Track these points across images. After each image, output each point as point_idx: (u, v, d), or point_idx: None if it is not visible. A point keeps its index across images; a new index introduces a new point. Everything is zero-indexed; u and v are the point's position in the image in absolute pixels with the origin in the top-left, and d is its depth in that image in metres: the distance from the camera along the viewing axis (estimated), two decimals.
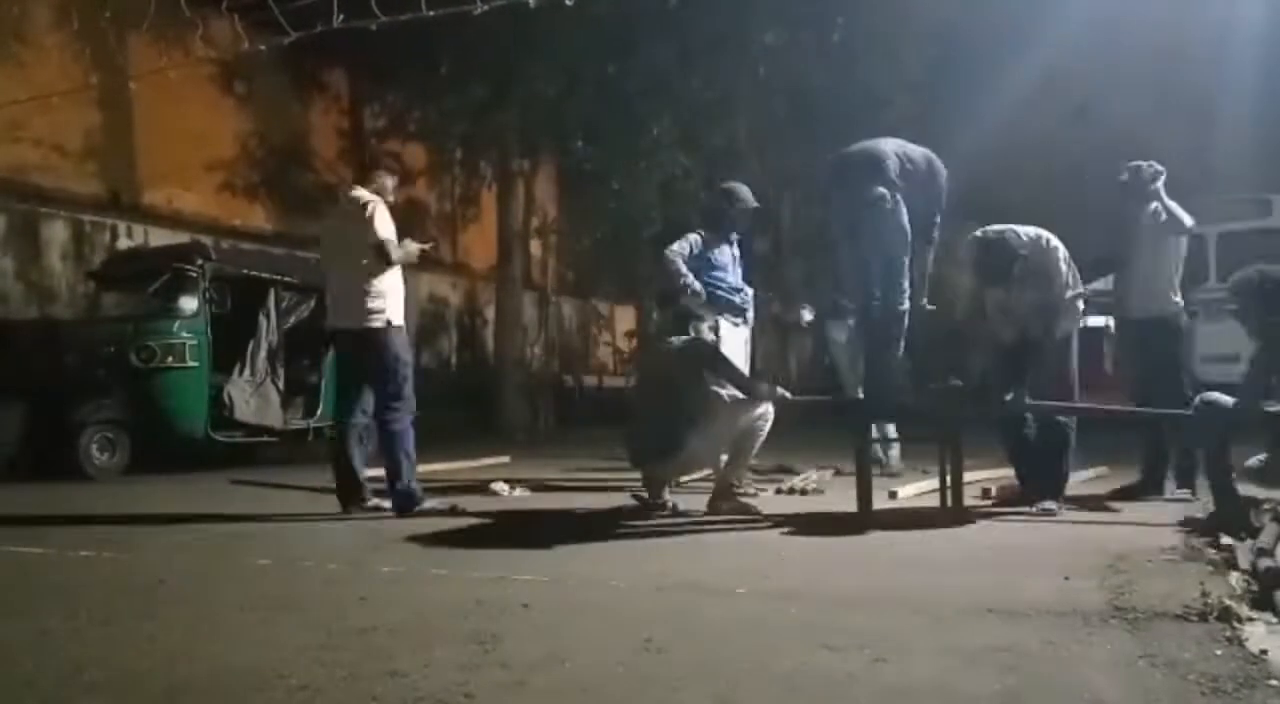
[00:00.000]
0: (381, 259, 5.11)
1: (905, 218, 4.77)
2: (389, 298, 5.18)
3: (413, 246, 5.40)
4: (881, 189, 4.71)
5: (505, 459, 8.71)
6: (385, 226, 5.16)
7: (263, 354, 8.65)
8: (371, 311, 5.13)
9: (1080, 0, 13.10)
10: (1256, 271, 4.52)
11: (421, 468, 7.81)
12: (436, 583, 3.40)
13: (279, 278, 9.00)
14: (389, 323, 5.16)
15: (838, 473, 6.64)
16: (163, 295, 8.36)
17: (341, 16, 4.99)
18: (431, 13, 5.02)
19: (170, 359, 7.98)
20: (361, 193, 5.28)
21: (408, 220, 16.68)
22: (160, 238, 11.33)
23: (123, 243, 11.67)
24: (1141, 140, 15.49)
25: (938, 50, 14.90)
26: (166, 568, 3.85)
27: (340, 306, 5.31)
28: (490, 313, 16.20)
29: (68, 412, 7.58)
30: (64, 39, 10.59)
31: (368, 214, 5.12)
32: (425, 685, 2.18)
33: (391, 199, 5.40)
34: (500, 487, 6.12)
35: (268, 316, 8.76)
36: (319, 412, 9.01)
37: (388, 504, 5.11)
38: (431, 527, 4.65)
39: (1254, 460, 4.37)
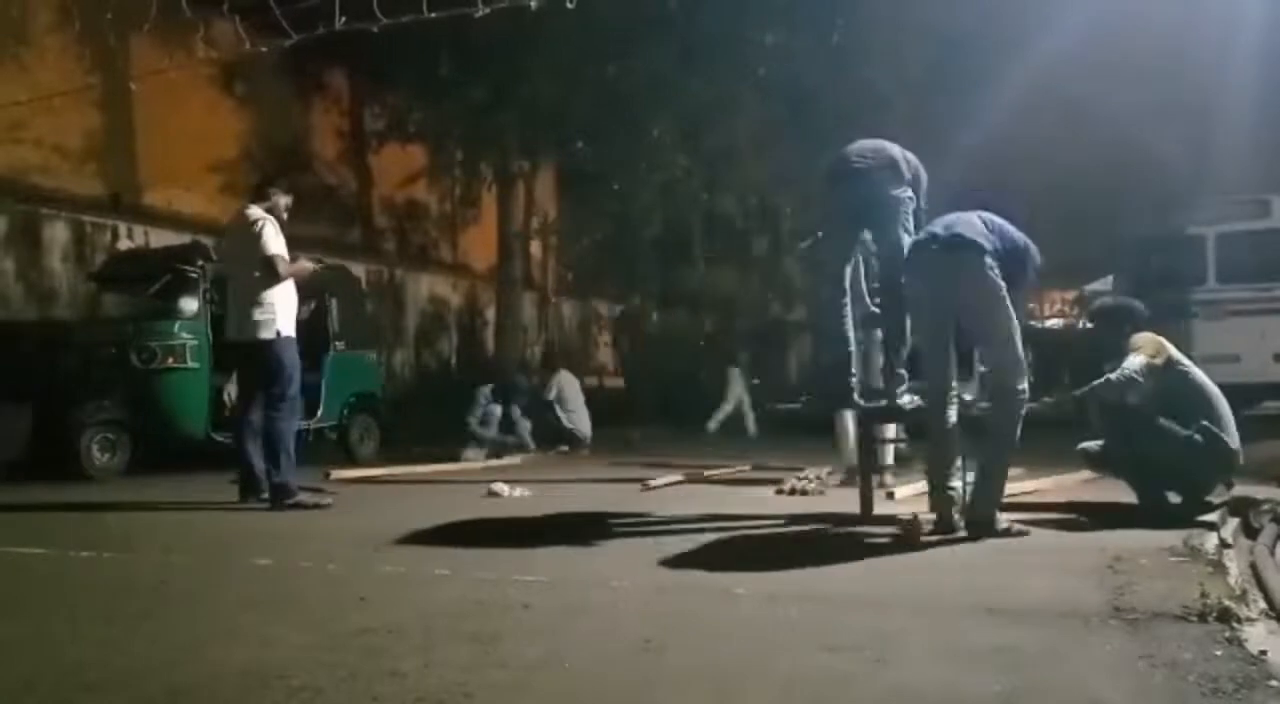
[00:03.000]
0: (270, 273, 5.59)
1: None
2: (279, 309, 5.65)
3: (305, 264, 6.10)
4: (907, 190, 4.72)
5: (516, 460, 8.69)
6: (275, 242, 5.65)
7: None
8: (262, 323, 5.61)
9: (1080, 2, 13.10)
10: (1115, 301, 5.29)
11: (435, 467, 7.94)
12: (437, 583, 3.40)
13: None
14: (279, 333, 5.64)
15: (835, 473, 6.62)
16: (163, 296, 8.35)
17: (342, 18, 4.99)
18: (432, 14, 5.02)
19: (171, 360, 7.97)
20: (253, 210, 5.77)
21: (410, 221, 16.83)
22: (161, 239, 11.30)
23: (123, 244, 11.66)
24: (1141, 141, 15.58)
25: (937, 51, 14.90)
26: (166, 568, 3.85)
27: (235, 321, 5.77)
28: (490, 313, 16.21)
29: (68, 412, 7.57)
30: (65, 40, 10.61)
31: (256, 230, 5.62)
32: (425, 685, 2.18)
33: (285, 216, 5.87)
34: (501, 487, 6.11)
35: None
36: (319, 412, 9.01)
37: (311, 499, 5.59)
38: (431, 527, 4.65)
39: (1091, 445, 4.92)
